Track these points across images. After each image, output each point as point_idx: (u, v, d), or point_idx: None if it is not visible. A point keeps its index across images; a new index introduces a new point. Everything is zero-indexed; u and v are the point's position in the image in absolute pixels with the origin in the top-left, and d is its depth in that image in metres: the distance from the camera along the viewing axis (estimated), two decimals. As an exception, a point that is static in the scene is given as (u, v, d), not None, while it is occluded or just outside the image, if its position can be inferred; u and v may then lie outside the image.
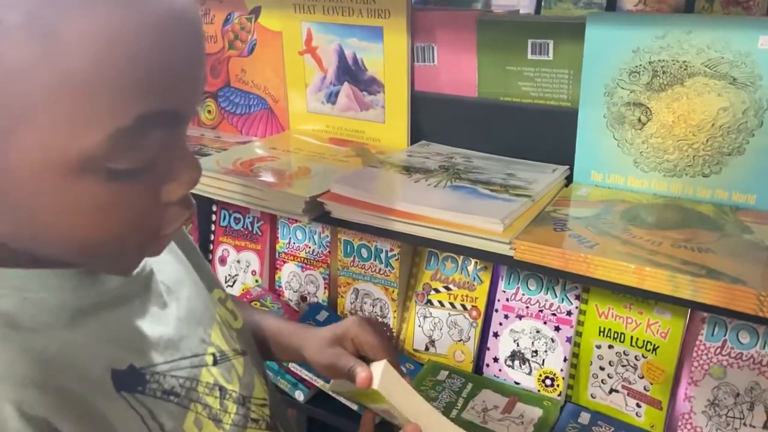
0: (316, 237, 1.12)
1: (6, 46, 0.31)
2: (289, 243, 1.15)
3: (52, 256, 0.40)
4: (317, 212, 0.81)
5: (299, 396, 0.95)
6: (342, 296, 1.09)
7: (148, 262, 0.50)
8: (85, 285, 0.43)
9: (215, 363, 0.52)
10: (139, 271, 0.48)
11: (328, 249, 1.10)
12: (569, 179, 0.84)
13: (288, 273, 1.16)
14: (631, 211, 0.74)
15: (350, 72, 0.96)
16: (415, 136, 0.96)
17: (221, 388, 0.51)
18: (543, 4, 1.68)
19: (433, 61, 0.91)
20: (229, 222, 1.22)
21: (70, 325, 0.41)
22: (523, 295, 0.94)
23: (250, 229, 1.20)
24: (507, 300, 0.95)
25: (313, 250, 1.12)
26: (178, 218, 0.42)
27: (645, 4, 1.49)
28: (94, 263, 0.42)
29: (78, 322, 0.42)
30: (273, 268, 1.19)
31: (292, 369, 0.97)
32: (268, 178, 0.85)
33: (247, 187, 0.84)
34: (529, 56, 0.83)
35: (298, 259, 1.14)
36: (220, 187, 0.86)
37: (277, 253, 1.17)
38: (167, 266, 0.53)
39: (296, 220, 1.11)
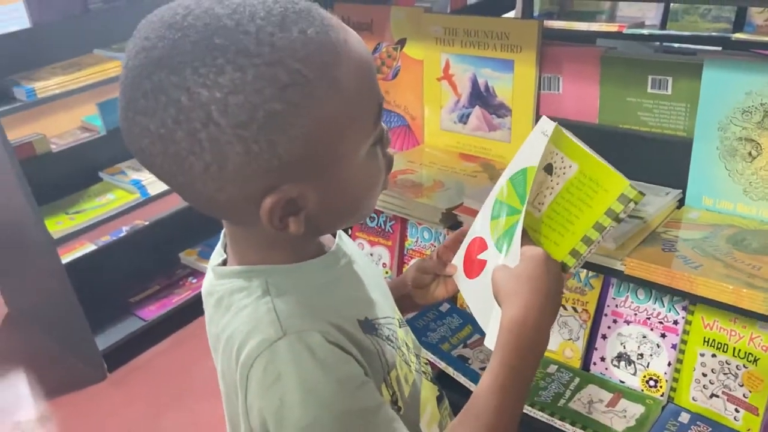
0: (441, 237, 1.26)
1: (322, 96, 0.49)
2: (416, 241, 1.31)
3: (348, 225, 0.64)
4: (451, 221, 0.95)
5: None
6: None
7: (347, 252, 0.67)
8: (329, 265, 0.62)
9: (400, 326, 0.70)
10: (346, 258, 0.65)
11: (452, 249, 1.25)
12: (681, 202, 0.93)
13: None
14: (736, 236, 0.82)
15: (482, 97, 1.10)
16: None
17: (406, 344, 0.69)
18: (669, 17, 1.71)
19: (558, 90, 1.02)
20: (365, 220, 1.39)
21: (326, 290, 0.60)
22: (632, 303, 1.04)
23: (383, 227, 1.36)
24: (616, 306, 1.05)
25: (439, 249, 1.27)
26: (390, 168, 0.60)
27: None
28: (364, 217, 0.65)
29: (331, 287, 0.61)
30: (401, 263, 1.35)
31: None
32: (409, 189, 1.01)
33: (393, 197, 1.00)
34: (649, 90, 0.93)
35: (425, 256, 1.29)
36: (369, 196, 1.03)
37: (405, 250, 1.33)
38: (355, 256, 0.71)
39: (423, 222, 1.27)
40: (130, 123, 0.49)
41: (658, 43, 1.69)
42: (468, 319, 1.19)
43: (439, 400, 0.74)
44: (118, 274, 2.23)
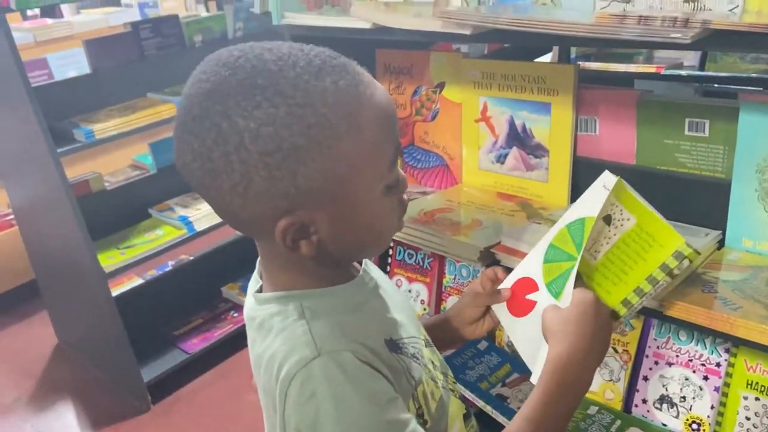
0: (479, 274, 1.28)
1: (343, 138, 0.55)
2: (455, 278, 1.32)
3: (361, 257, 0.67)
4: (489, 260, 0.97)
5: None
6: (500, 329, 1.23)
7: (373, 277, 0.72)
8: (357, 289, 0.67)
9: (426, 345, 0.73)
10: (372, 283, 0.70)
11: (490, 287, 1.26)
12: (721, 243, 0.93)
13: (452, 304, 1.33)
14: (778, 278, 0.82)
15: (519, 138, 1.12)
16: (575, 195, 1.09)
17: (432, 362, 0.72)
18: (708, 58, 1.71)
19: (595, 131, 1.04)
20: (403, 257, 1.42)
21: (356, 312, 0.65)
22: (674, 344, 1.03)
23: (421, 264, 1.38)
24: (658, 347, 1.04)
25: (477, 287, 1.28)
26: (403, 213, 0.66)
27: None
28: (376, 253, 0.70)
29: (359, 309, 0.66)
30: (439, 300, 1.36)
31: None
32: (447, 228, 1.03)
33: (431, 235, 1.03)
34: (686, 132, 0.94)
35: (462, 293, 1.31)
36: (409, 234, 1.05)
37: (443, 287, 1.35)
38: (380, 281, 0.75)
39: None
40: (179, 140, 0.57)
41: (696, 84, 1.69)
42: (506, 357, 1.19)
43: (466, 417, 0.77)
44: (163, 308, 2.29)
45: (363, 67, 0.59)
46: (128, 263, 1.92)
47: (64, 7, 3.51)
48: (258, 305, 0.66)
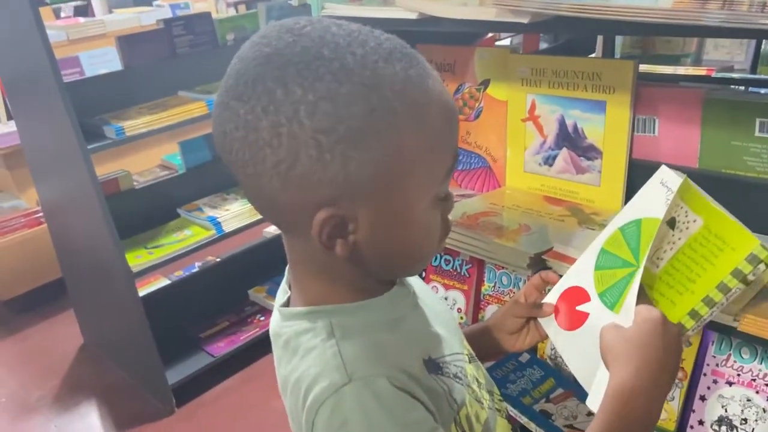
0: (520, 284, 1.21)
1: (405, 130, 0.50)
2: (494, 286, 1.26)
3: (393, 275, 0.60)
4: (539, 267, 0.91)
5: None
6: (544, 341, 1.17)
7: (411, 286, 0.66)
8: (394, 301, 0.61)
9: (470, 361, 0.67)
10: (411, 293, 0.64)
11: (533, 296, 1.19)
12: (795, 253, 0.85)
13: (491, 313, 1.27)
14: None
15: (569, 139, 1.06)
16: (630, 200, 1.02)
17: (476, 380, 0.66)
18: (760, 60, 1.63)
19: (654, 132, 0.98)
20: (440, 263, 1.36)
21: (391, 330, 0.59)
22: (735, 362, 0.95)
23: (459, 270, 1.32)
24: (717, 365, 0.97)
25: (518, 296, 1.22)
26: (446, 235, 0.60)
27: None
28: (409, 273, 0.63)
29: (396, 326, 0.59)
30: (477, 308, 1.30)
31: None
32: (492, 232, 0.97)
33: (476, 239, 0.97)
34: (757, 133, 0.87)
35: (502, 302, 1.24)
36: (451, 238, 0.99)
37: (482, 295, 1.29)
38: (419, 290, 0.69)
39: (503, 266, 1.22)
40: (223, 107, 0.51)
41: (743, 88, 1.61)
42: (550, 371, 1.13)
43: None
44: (189, 309, 2.27)
45: None
46: (156, 263, 1.89)
47: (97, 6, 3.53)
48: (284, 321, 0.60)
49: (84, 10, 3.49)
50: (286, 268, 0.63)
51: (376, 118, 0.49)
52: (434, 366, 0.59)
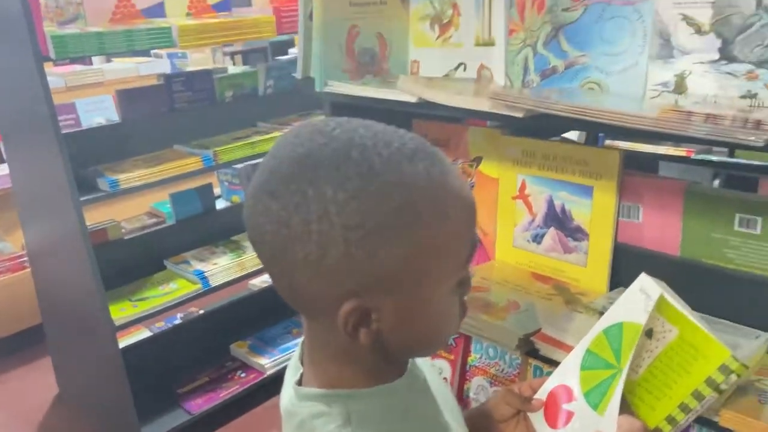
0: (507, 357, 1.22)
1: (428, 226, 0.53)
2: (480, 357, 1.27)
3: (414, 356, 0.63)
4: (527, 348, 0.93)
5: None
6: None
7: (422, 370, 0.67)
8: (409, 386, 0.63)
9: None
10: (422, 377, 0.66)
11: (518, 370, 1.21)
12: (773, 345, 0.88)
13: (476, 386, 1.27)
14: (840, 390, 0.77)
15: (558, 219, 1.10)
16: (614, 283, 1.06)
17: None
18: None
19: (638, 218, 1.02)
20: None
21: (406, 419, 0.61)
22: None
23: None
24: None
25: (503, 369, 1.23)
26: (464, 316, 0.62)
27: None
28: (429, 354, 0.67)
29: (409, 414, 0.61)
30: (463, 379, 1.30)
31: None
32: (482, 309, 0.99)
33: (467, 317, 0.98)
34: (736, 228, 0.91)
35: (488, 375, 1.25)
36: (441, 313, 1.01)
37: (467, 366, 1.29)
38: (425, 371, 0.71)
39: (490, 339, 1.23)
40: (257, 200, 0.54)
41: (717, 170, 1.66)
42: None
43: None
44: (169, 362, 2.23)
45: None
46: (139, 317, 1.87)
47: (96, 55, 3.58)
48: (299, 401, 0.61)
49: (81, 58, 3.54)
50: (300, 341, 0.65)
51: (401, 215, 0.52)
52: None
